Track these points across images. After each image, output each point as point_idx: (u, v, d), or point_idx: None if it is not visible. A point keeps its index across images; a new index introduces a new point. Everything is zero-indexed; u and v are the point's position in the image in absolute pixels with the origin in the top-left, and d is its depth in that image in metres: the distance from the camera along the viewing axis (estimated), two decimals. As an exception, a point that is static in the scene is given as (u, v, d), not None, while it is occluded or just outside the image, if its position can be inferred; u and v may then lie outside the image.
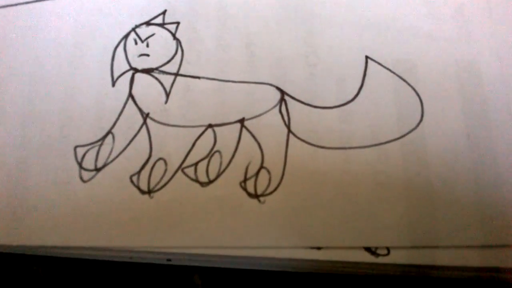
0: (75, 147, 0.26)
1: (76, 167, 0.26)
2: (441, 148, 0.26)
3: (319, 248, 0.25)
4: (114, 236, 0.24)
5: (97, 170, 0.26)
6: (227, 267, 0.26)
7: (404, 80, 0.28)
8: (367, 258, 0.25)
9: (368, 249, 0.25)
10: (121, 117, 0.26)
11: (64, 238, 0.24)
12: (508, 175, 0.25)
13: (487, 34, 0.28)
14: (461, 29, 0.28)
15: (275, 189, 0.25)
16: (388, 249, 0.25)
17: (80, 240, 0.24)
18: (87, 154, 0.26)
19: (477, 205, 0.25)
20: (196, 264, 0.26)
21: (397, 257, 0.25)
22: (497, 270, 0.25)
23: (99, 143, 0.26)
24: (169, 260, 0.26)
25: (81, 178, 0.25)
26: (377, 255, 0.25)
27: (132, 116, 0.27)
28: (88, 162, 0.26)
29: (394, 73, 0.28)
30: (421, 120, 0.27)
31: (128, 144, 0.26)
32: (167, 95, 0.27)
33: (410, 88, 0.27)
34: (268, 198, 0.25)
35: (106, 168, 0.26)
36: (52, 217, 0.25)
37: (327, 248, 0.25)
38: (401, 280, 0.27)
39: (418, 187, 0.26)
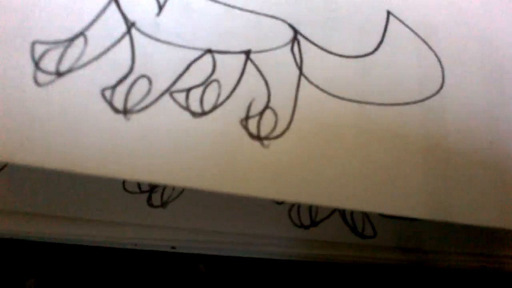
0: (33, 43, 0.20)
1: (32, 66, 0.20)
2: (461, 119, 0.24)
3: (307, 227, 0.25)
4: (69, 156, 0.19)
5: (59, 74, 0.20)
6: (231, 255, 0.26)
7: (427, 43, 0.25)
8: (354, 239, 0.26)
9: (355, 231, 0.26)
10: (99, 20, 0.21)
11: (10, 152, 0.18)
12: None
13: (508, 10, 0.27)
14: (486, 4, 0.27)
15: (282, 134, 0.21)
16: (374, 231, 0.26)
17: (28, 156, 0.18)
18: (48, 54, 0.20)
19: (495, 184, 0.23)
20: (201, 252, 0.26)
21: (383, 240, 0.26)
22: (487, 256, 0.25)
23: (66, 44, 0.20)
24: (173, 247, 0.26)
25: (35, 80, 0.19)
26: (364, 236, 0.25)
27: (114, 22, 0.21)
28: (48, 64, 0.20)
29: (416, 33, 0.25)
30: (441, 87, 0.25)
31: (104, 52, 0.21)
32: (161, 6, 0.22)
33: (432, 53, 0.25)
34: (272, 143, 0.21)
35: (70, 75, 0.20)
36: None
37: (319, 224, 0.25)
38: (389, 269, 0.26)
39: (436, 157, 0.23)
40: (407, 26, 0.26)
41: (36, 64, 0.20)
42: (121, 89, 0.20)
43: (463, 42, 0.26)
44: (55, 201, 0.24)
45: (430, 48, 0.25)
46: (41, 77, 0.19)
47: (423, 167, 0.23)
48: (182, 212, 0.26)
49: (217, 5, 0.23)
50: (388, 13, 0.26)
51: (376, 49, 0.25)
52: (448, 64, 0.25)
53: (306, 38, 0.24)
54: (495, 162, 0.24)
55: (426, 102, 0.24)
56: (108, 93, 0.20)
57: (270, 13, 0.24)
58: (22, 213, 0.24)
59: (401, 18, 0.26)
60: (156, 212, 0.26)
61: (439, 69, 0.25)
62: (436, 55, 0.25)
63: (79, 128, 0.19)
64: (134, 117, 0.20)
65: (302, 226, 0.25)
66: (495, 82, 0.26)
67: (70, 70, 0.20)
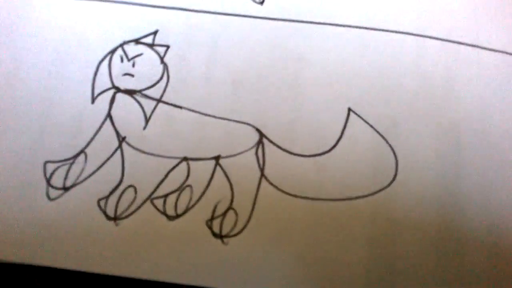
0: (45, 163, 0.27)
1: (44, 183, 0.26)
2: (410, 211, 0.28)
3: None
4: (75, 258, 0.26)
5: (65, 189, 0.26)
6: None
7: (383, 138, 0.29)
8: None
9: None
10: (96, 137, 0.27)
11: (24, 255, 0.25)
12: (472, 247, 0.27)
13: (472, 98, 0.30)
14: (447, 91, 0.30)
15: (240, 232, 0.27)
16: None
17: (41, 259, 0.25)
18: (56, 172, 0.27)
19: (438, 275, 0.27)
20: None
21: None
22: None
23: (71, 161, 0.27)
24: None
25: (48, 195, 0.26)
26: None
27: (108, 138, 0.27)
28: (57, 180, 0.26)
29: (374, 129, 0.29)
30: (394, 180, 0.29)
31: (100, 167, 0.27)
32: (147, 120, 0.28)
33: (388, 146, 0.29)
34: (231, 240, 0.27)
35: (74, 189, 0.27)
36: (14, 232, 0.26)
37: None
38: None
39: (381, 250, 0.28)
40: (366, 122, 0.29)
41: (48, 182, 0.26)
42: (113, 199, 0.27)
43: (422, 131, 0.29)
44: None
45: (387, 142, 0.29)
46: (52, 193, 0.26)
47: (366, 260, 0.27)
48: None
49: (194, 114, 0.28)
50: (349, 110, 0.29)
51: (334, 147, 0.29)
52: (403, 156, 0.29)
53: (270, 141, 0.29)
54: (440, 250, 0.28)
55: (376, 195, 0.28)
56: (102, 203, 0.26)
57: (241, 118, 0.29)
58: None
59: (361, 114, 0.29)
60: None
61: (394, 161, 0.29)
62: (392, 149, 0.29)
63: (79, 234, 0.26)
64: (122, 222, 0.26)
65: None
66: (451, 170, 0.29)
67: (73, 185, 0.26)
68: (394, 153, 0.29)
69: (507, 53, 0.31)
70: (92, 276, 0.27)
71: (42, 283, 0.28)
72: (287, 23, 0.31)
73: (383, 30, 0.31)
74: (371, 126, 0.29)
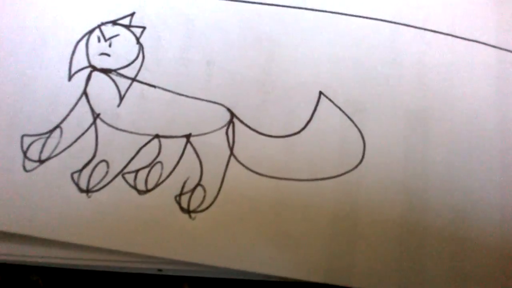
0: (22, 136, 0.28)
1: (21, 156, 0.28)
2: (375, 194, 0.29)
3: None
4: (48, 227, 0.27)
5: (41, 162, 0.28)
6: (215, 276, 0.29)
7: (352, 121, 0.30)
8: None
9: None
10: (71, 113, 0.29)
11: (1, 222, 0.27)
12: (434, 234, 0.28)
13: (444, 87, 0.31)
14: (419, 78, 0.31)
15: (207, 208, 0.28)
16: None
17: (16, 226, 0.27)
18: (33, 145, 0.28)
19: (397, 257, 0.28)
20: (186, 274, 0.29)
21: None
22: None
23: (47, 135, 0.28)
24: (160, 270, 0.29)
25: (24, 167, 0.28)
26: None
27: (83, 114, 0.29)
28: (33, 153, 0.28)
29: (343, 112, 0.30)
30: (360, 163, 0.30)
31: (75, 141, 0.28)
32: (121, 98, 0.29)
33: (356, 129, 0.30)
34: (198, 215, 0.28)
35: (49, 161, 0.28)
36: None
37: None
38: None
39: (343, 228, 0.29)
40: (336, 105, 0.30)
41: (24, 154, 0.28)
42: (86, 172, 0.28)
43: (391, 117, 0.30)
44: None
45: (356, 126, 0.30)
46: (28, 164, 0.28)
47: (328, 236, 0.29)
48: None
49: (167, 93, 0.30)
50: (320, 93, 0.30)
51: (303, 128, 0.30)
52: (371, 140, 0.30)
53: (241, 121, 0.30)
54: (401, 233, 0.29)
55: (342, 177, 0.29)
56: (76, 176, 0.28)
57: (213, 98, 0.30)
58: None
59: (332, 97, 0.30)
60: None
61: (361, 146, 0.30)
62: (360, 133, 0.30)
63: (53, 204, 0.27)
64: (93, 195, 0.28)
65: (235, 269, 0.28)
66: (418, 156, 0.30)
67: (48, 158, 0.28)
68: (362, 137, 0.30)
69: (481, 43, 0.32)
70: (94, 276, 0.29)
71: (45, 283, 0.30)
72: (261, 6, 0.31)
73: (357, 16, 0.32)
74: (341, 110, 0.30)
